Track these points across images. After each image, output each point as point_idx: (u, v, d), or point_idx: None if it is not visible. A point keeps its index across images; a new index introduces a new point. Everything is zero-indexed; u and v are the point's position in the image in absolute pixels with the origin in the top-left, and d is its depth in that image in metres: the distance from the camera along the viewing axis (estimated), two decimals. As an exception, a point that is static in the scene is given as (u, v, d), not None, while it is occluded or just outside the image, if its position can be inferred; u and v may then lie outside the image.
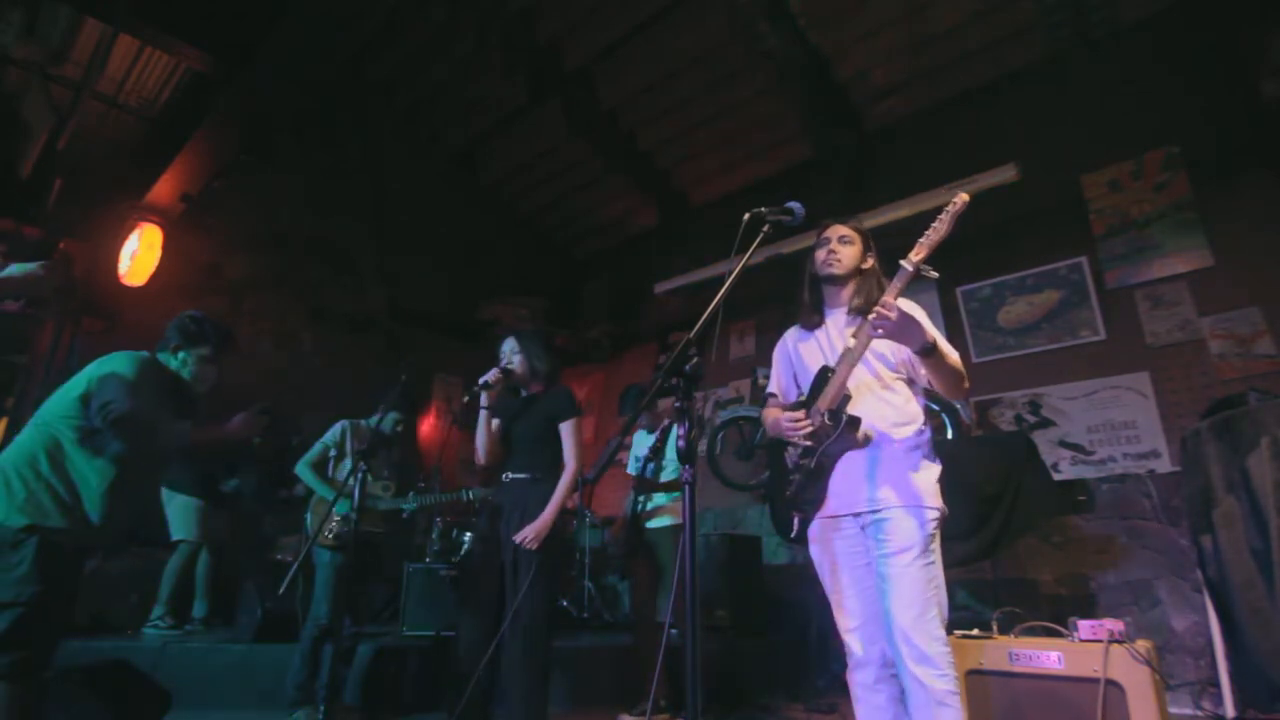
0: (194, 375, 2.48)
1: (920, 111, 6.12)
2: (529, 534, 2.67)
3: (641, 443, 3.99)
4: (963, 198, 1.77)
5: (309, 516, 3.64)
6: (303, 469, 3.60)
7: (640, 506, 3.79)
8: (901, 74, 5.89)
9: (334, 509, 3.34)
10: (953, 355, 1.91)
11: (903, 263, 1.80)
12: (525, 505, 2.75)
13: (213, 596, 4.62)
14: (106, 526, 2.22)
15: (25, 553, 2.02)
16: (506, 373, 2.89)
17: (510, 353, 2.94)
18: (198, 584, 4.57)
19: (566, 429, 2.84)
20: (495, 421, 2.95)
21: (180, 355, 2.47)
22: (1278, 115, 4.30)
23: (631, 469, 4.00)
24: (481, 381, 2.83)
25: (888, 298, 1.78)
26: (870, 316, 1.81)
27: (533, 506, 2.73)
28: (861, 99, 6.19)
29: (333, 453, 3.66)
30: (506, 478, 2.88)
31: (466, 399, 2.87)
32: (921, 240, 1.79)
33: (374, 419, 3.72)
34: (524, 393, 3.00)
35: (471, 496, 4.02)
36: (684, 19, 5.83)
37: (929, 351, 1.85)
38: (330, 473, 3.65)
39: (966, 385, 1.97)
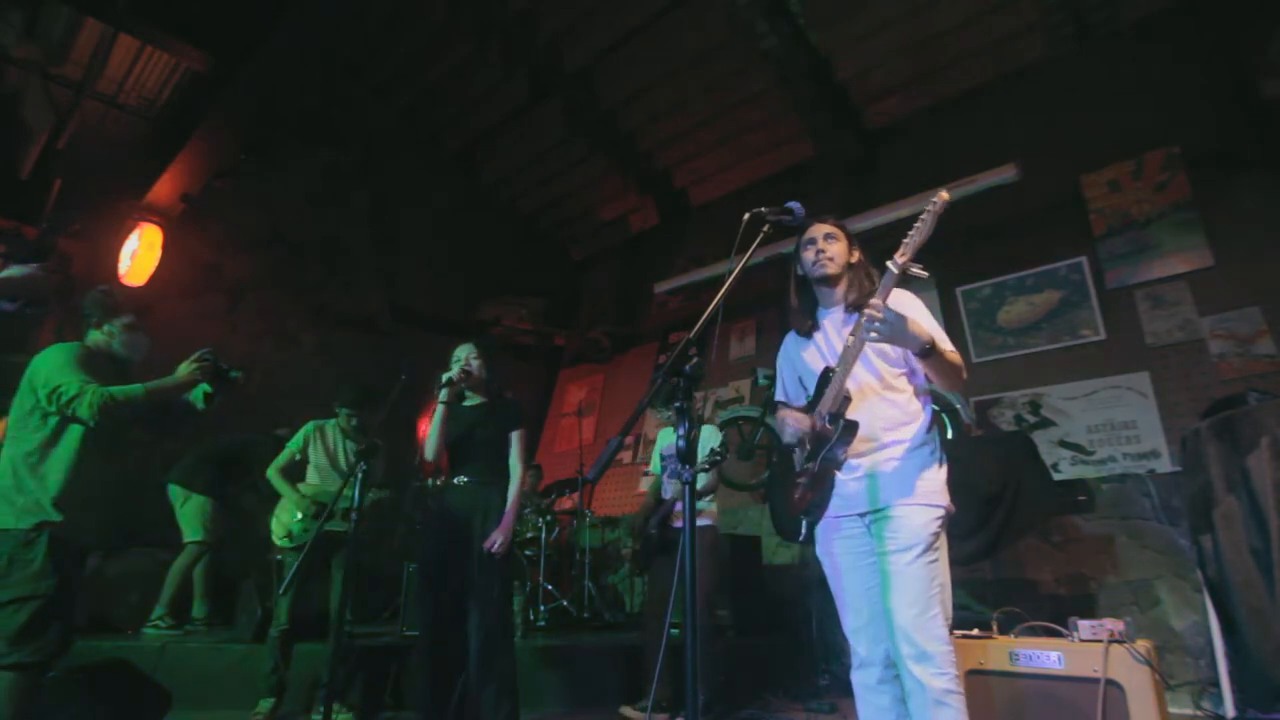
0: (124, 345, 2.48)
1: (920, 111, 6.12)
2: (497, 539, 2.81)
3: (667, 439, 3.88)
4: (943, 196, 1.75)
5: (273, 521, 3.65)
6: (272, 473, 3.61)
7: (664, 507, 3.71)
8: (901, 74, 5.89)
9: (293, 511, 3.51)
10: (951, 353, 1.89)
11: (889, 264, 1.79)
12: (486, 510, 2.88)
13: (213, 596, 4.62)
14: (95, 514, 2.28)
15: (38, 550, 2.13)
16: (467, 375, 2.97)
17: (469, 357, 3.01)
18: (197, 584, 4.57)
19: (517, 438, 3.03)
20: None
21: (105, 328, 2.46)
22: (1278, 115, 4.30)
23: (654, 468, 3.93)
24: (446, 377, 2.89)
25: (877, 300, 1.77)
26: (862, 320, 1.80)
27: (494, 511, 2.88)
28: (861, 99, 6.19)
29: (297, 457, 3.65)
30: (459, 480, 2.96)
31: (425, 390, 2.98)
32: (905, 241, 1.77)
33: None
34: (470, 400, 3.07)
35: None
36: (684, 19, 5.83)
37: (927, 354, 1.83)
38: (299, 476, 3.66)
39: (964, 376, 1.96)
